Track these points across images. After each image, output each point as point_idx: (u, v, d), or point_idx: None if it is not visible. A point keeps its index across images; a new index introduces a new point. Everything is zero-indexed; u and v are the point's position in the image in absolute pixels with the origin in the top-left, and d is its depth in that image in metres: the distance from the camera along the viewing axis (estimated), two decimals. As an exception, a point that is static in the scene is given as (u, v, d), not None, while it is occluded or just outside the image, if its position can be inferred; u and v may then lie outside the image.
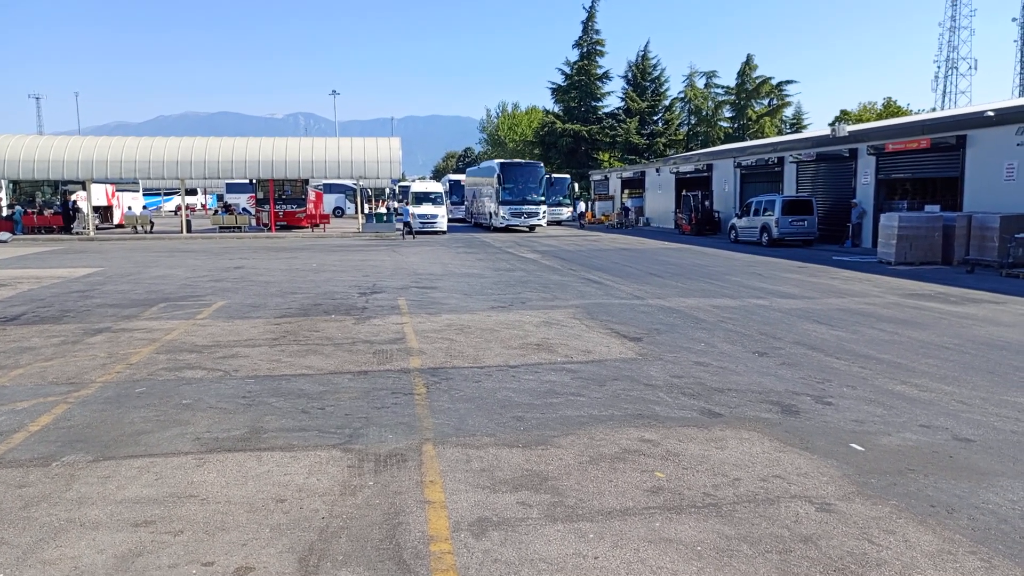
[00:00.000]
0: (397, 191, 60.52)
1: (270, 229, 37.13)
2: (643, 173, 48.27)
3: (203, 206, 67.01)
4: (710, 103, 66.88)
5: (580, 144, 64.40)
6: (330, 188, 54.37)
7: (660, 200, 44.92)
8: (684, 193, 39.18)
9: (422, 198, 37.52)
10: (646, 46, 67.02)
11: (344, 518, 4.46)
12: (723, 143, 59.93)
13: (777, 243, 27.77)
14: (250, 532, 4.29)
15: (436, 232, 36.21)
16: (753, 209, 29.62)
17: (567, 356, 8.91)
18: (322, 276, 17.69)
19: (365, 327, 10.85)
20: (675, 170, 42.93)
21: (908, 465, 5.37)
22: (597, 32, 65.67)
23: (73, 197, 37.42)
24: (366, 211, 44.42)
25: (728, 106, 66.26)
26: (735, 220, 31.31)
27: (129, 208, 43.66)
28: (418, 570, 3.85)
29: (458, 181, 54.45)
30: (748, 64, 64.13)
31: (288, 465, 5.33)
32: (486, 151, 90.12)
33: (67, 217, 36.11)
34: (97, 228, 36.67)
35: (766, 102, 64.73)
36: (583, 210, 47.83)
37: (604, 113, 66.59)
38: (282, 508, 4.61)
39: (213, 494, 4.82)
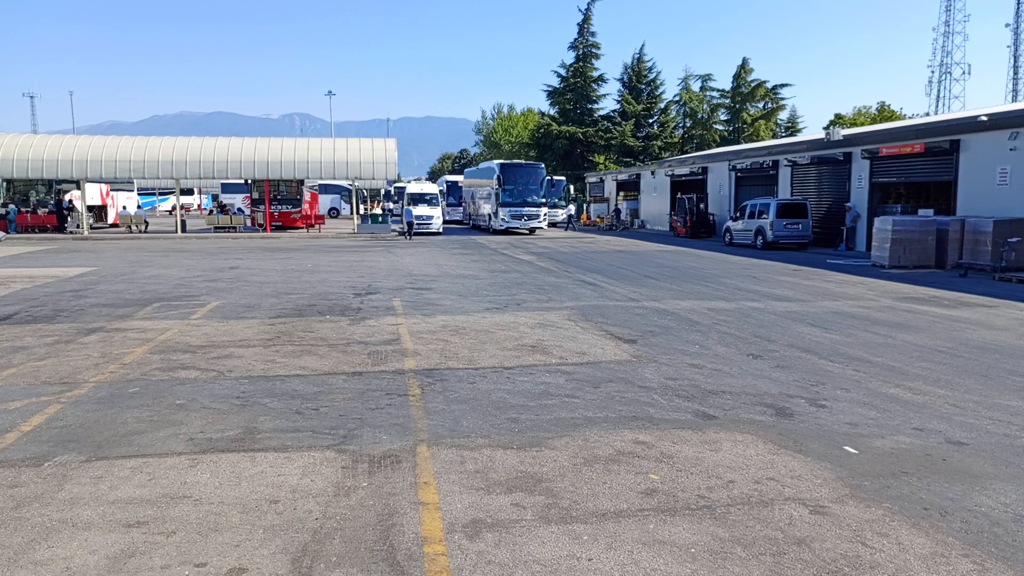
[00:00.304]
0: (392, 192, 60.46)
1: (265, 229, 37.07)
2: (638, 176, 48.35)
3: (199, 206, 66.86)
4: (705, 106, 66.99)
5: (575, 146, 64.45)
6: (325, 189, 54.33)
7: (655, 202, 44.99)
8: (679, 196, 39.23)
9: (417, 199, 37.45)
10: (641, 49, 67.18)
11: (338, 519, 4.45)
12: (718, 146, 60.05)
13: (772, 246, 27.84)
14: (243, 533, 4.27)
15: (431, 233, 36.19)
16: (748, 212, 29.69)
17: (562, 358, 8.91)
18: (317, 277, 17.66)
19: (360, 328, 10.83)
20: (670, 173, 43.00)
21: (901, 468, 5.39)
22: (593, 34, 65.84)
23: (67, 196, 37.29)
24: (361, 212, 44.38)
25: (723, 109, 66.37)
26: (730, 223, 31.39)
27: (124, 208, 43.53)
28: (412, 572, 3.84)
29: (456, 182, 53.50)
30: (743, 67, 64.26)
31: (282, 466, 5.32)
32: (481, 153, 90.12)
33: (61, 216, 35.98)
34: (91, 228, 36.55)
35: (761, 105, 64.88)
36: (572, 212, 47.92)
37: (600, 115, 66.69)
38: (276, 509, 4.59)
39: (206, 495, 4.80)
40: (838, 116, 65.82)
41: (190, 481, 5.03)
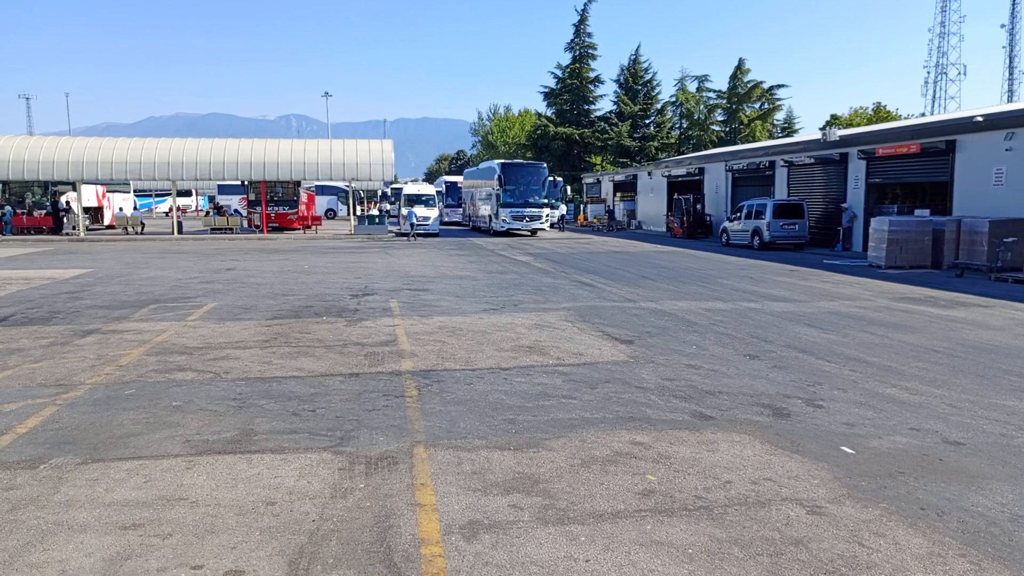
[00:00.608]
0: (389, 193, 60.44)
1: (262, 231, 37.02)
2: (635, 176, 48.41)
3: (196, 209, 66.75)
4: (702, 107, 67.08)
5: (572, 147, 64.51)
6: (322, 190, 54.26)
7: (652, 203, 45.04)
8: (676, 196, 39.26)
9: (414, 200, 37.40)
10: (637, 50, 67.24)
11: (335, 521, 4.44)
12: (715, 147, 60.11)
13: (768, 246, 27.87)
14: (240, 535, 4.26)
15: (428, 235, 36.18)
16: (745, 212, 29.73)
17: (559, 359, 8.91)
18: (314, 278, 17.64)
19: (357, 329, 10.82)
20: (667, 173, 43.04)
21: (898, 468, 5.39)
22: (589, 35, 65.95)
23: (63, 198, 37.21)
24: (358, 213, 44.36)
25: (720, 110, 66.46)
26: (727, 223, 31.42)
27: (120, 209, 43.45)
28: (409, 573, 3.84)
29: (455, 183, 52.50)
30: (739, 68, 64.36)
31: (278, 467, 5.31)
32: (478, 154, 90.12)
33: (57, 218, 35.91)
34: (87, 229, 36.47)
35: (757, 106, 64.98)
36: (563, 213, 47.73)
37: (596, 116, 66.76)
38: (272, 511, 4.58)
39: (203, 497, 4.79)
40: (834, 117, 65.95)
41: (186, 483, 5.02)
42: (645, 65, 66.56)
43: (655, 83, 66.70)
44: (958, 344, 9.99)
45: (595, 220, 48.13)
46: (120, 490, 4.89)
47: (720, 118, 66.53)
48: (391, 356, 9.01)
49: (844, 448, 5.81)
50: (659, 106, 66.95)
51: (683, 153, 61.32)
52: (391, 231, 37.53)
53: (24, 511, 4.57)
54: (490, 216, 37.84)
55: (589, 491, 4.93)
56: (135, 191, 54.19)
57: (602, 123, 65.61)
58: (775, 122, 66.32)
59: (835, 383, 7.85)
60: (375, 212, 46.76)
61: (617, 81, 66.86)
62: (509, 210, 36.10)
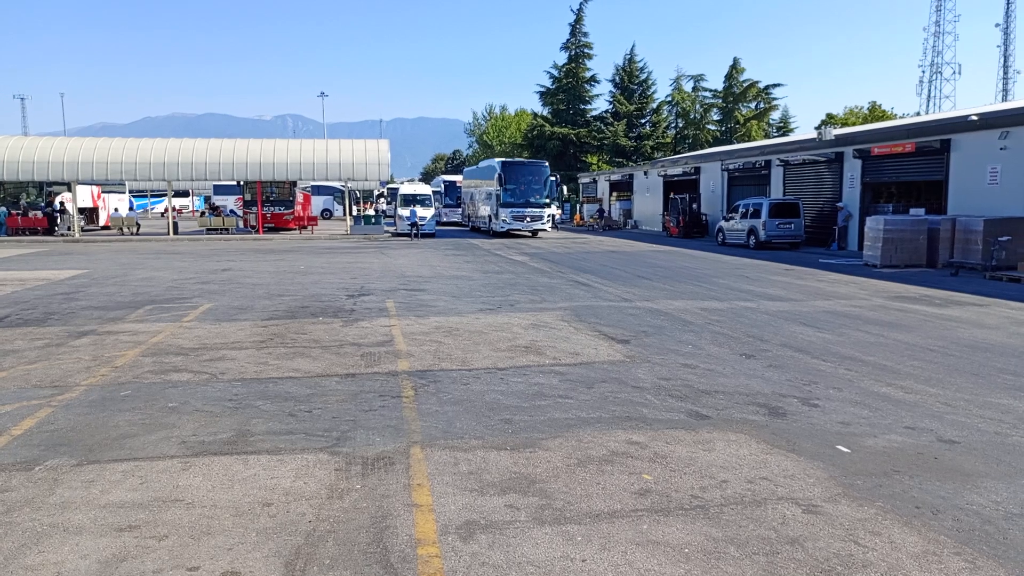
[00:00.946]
0: (386, 193, 60.34)
1: (258, 231, 36.96)
2: (631, 176, 48.45)
3: (192, 210, 66.62)
4: (697, 106, 67.17)
5: (568, 147, 64.52)
6: (318, 190, 54.18)
7: (648, 203, 45.09)
8: (672, 196, 39.30)
9: (410, 200, 37.34)
10: (632, 49, 67.27)
11: (331, 522, 4.44)
12: (711, 146, 60.20)
13: (764, 246, 27.92)
14: (236, 536, 4.26)
15: (424, 235, 36.15)
16: (740, 212, 29.78)
17: (555, 358, 8.92)
18: (310, 278, 17.62)
19: (353, 330, 10.81)
20: (663, 173, 43.09)
21: (893, 467, 5.41)
22: (585, 35, 65.97)
23: (58, 198, 37.09)
24: (354, 213, 44.32)
25: (715, 109, 66.56)
26: (722, 223, 31.47)
27: (115, 210, 43.34)
28: (405, 574, 3.84)
29: (454, 182, 51.56)
30: (735, 67, 64.45)
31: (275, 468, 5.30)
32: (474, 153, 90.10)
33: (52, 219, 35.79)
34: (82, 230, 36.37)
35: (753, 105, 65.07)
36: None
37: (592, 116, 66.80)
38: (268, 512, 4.58)
39: (199, 498, 4.78)
40: (830, 116, 66.08)
41: (182, 484, 5.01)
42: (640, 65, 66.65)
43: (650, 82, 66.81)
44: (953, 343, 10.02)
45: (591, 220, 48.21)
46: (116, 492, 4.88)
47: (716, 117, 66.64)
48: (387, 356, 9.01)
49: (840, 447, 5.82)
50: (655, 105, 67.03)
51: (679, 152, 61.41)
52: (387, 231, 37.49)
53: (19, 513, 4.56)
54: (490, 216, 36.95)
55: (585, 491, 4.93)
56: (132, 192, 54.08)
57: (598, 123, 65.64)
58: (771, 121, 66.42)
59: (831, 382, 7.87)
60: (371, 212, 46.71)
61: (612, 81, 66.94)
62: (509, 210, 35.16)
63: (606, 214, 47.35)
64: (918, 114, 71.51)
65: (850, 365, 8.66)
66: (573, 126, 64.77)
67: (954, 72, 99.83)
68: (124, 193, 48.17)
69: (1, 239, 32.75)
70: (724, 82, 65.16)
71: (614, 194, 50.95)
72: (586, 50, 65.93)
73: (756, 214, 28.52)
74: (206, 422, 6.38)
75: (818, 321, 11.70)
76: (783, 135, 61.64)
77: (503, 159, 38.80)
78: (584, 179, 58.11)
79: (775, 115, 66.56)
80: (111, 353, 9.19)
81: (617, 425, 6.35)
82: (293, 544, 4.16)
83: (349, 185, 41.39)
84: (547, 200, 35.98)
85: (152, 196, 66.87)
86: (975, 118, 22.43)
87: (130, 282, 16.87)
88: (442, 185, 52.58)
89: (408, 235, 35.44)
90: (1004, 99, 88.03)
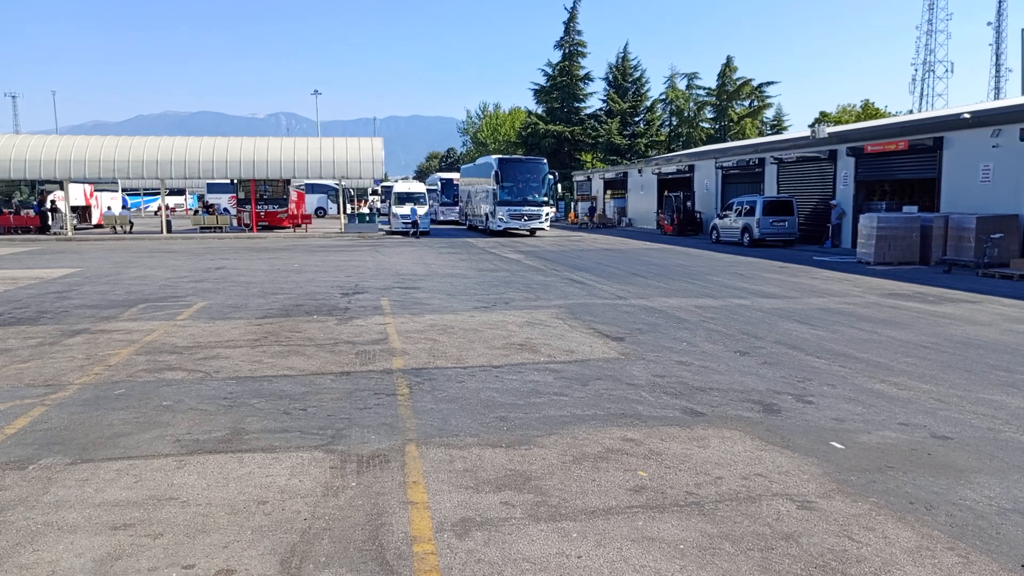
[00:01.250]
0: (380, 191, 60.15)
1: (251, 229, 36.86)
2: (625, 174, 48.48)
3: (186, 209, 66.40)
4: (692, 104, 67.30)
5: (563, 145, 64.54)
6: (312, 188, 54.07)
7: (642, 201, 45.12)
8: (666, 194, 39.35)
9: (404, 198, 37.25)
10: (625, 47, 67.38)
11: (326, 519, 4.44)
12: (705, 144, 60.30)
13: (758, 243, 28.00)
14: (231, 534, 4.25)
15: (420, 233, 36.13)
16: (735, 210, 29.85)
17: (550, 356, 8.92)
18: (304, 277, 17.59)
19: (347, 328, 10.80)
20: (657, 171, 43.13)
21: (887, 463, 5.43)
22: (579, 33, 65.99)
23: (50, 197, 36.92)
24: (348, 211, 44.23)
25: (709, 107, 66.71)
26: (717, 220, 31.53)
27: (108, 208, 43.16)
28: (401, 571, 3.84)
29: (451, 180, 50.57)
30: (728, 66, 64.59)
31: (270, 466, 5.29)
32: (468, 152, 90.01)
33: (44, 217, 35.63)
34: (75, 229, 36.21)
35: (747, 103, 65.25)
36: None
37: (586, 114, 66.85)
38: (264, 510, 4.57)
39: (193, 496, 4.77)
40: (823, 114, 66.30)
41: (177, 483, 5.00)
42: (634, 63, 66.79)
43: (644, 80, 66.93)
44: (946, 339, 10.06)
45: (586, 218, 48.27)
46: (110, 490, 4.87)
47: (710, 115, 66.80)
48: (382, 354, 9.00)
49: (834, 443, 5.84)
50: (649, 104, 67.13)
51: (673, 150, 61.50)
52: (381, 229, 37.43)
53: (13, 512, 4.54)
54: (487, 215, 36.05)
55: (581, 488, 4.94)
56: (126, 190, 53.84)
57: (592, 121, 65.70)
58: (765, 119, 66.64)
59: (824, 379, 7.90)
60: (365, 210, 46.63)
61: (606, 79, 67.00)
62: (506, 208, 34.22)
63: (597, 212, 47.48)
64: (911, 112, 71.78)
65: (844, 362, 8.69)
66: (567, 124, 64.79)
67: (947, 70, 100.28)
68: (117, 191, 47.98)
69: (-7, 238, 32.59)
70: (718, 80, 65.32)
71: (608, 192, 50.98)
72: (580, 48, 65.97)
73: (750, 212, 28.59)
74: (200, 420, 6.37)
75: (812, 318, 11.73)
76: (777, 133, 61.81)
77: (500, 156, 37.85)
78: (579, 177, 58.14)
79: (769, 113, 66.85)
80: (105, 352, 9.15)
81: (612, 422, 6.36)
82: (288, 542, 4.15)
83: (343, 183, 41.31)
84: (545, 198, 35.13)
85: (145, 194, 66.60)
86: (968, 116, 22.51)
87: (123, 281, 16.81)
88: (439, 183, 51.99)
89: (403, 233, 35.40)
90: (996, 97, 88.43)
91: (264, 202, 38.17)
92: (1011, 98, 58.45)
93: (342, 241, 32.01)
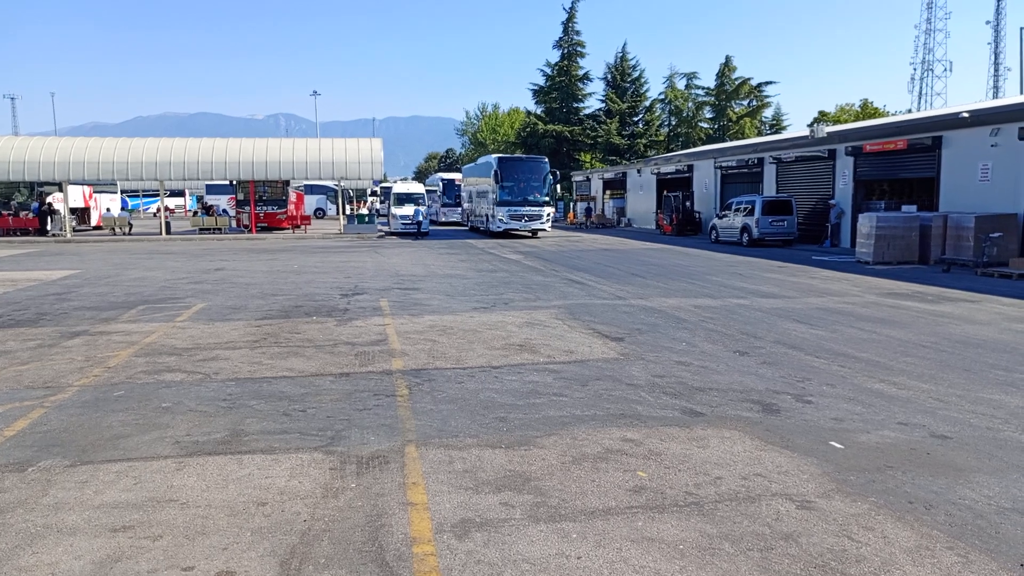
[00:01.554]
0: (379, 192, 60.12)
1: (251, 231, 36.85)
2: (624, 174, 48.51)
3: (185, 210, 66.38)
4: (690, 104, 67.32)
5: (562, 145, 64.55)
6: (311, 189, 54.06)
7: (641, 201, 45.13)
8: (665, 194, 39.36)
9: (403, 199, 37.21)
10: (624, 47, 67.46)
11: (326, 521, 4.44)
12: (704, 144, 60.32)
13: (757, 243, 28.01)
14: (231, 536, 4.25)
15: (420, 234, 36.12)
16: (734, 209, 29.86)
17: (549, 356, 8.92)
18: (303, 278, 17.59)
19: (347, 329, 10.80)
20: (656, 171, 43.14)
21: (886, 462, 5.43)
22: (578, 33, 65.98)
23: (49, 199, 36.91)
24: (347, 212, 44.22)
25: (708, 107, 66.72)
26: (716, 220, 31.54)
27: (107, 210, 43.15)
28: (401, 572, 3.84)
29: (452, 180, 50.08)
30: (727, 65, 64.62)
31: (269, 468, 5.29)
32: (467, 152, 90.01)
33: (43, 219, 35.61)
34: (74, 230, 36.19)
35: (746, 103, 65.26)
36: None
37: (585, 114, 66.85)
38: (263, 511, 4.57)
39: (193, 498, 4.77)
40: (822, 113, 66.36)
41: (176, 484, 5.00)
42: (632, 63, 66.78)
43: (643, 80, 66.96)
44: (945, 339, 10.07)
45: (585, 218, 48.28)
46: (110, 492, 4.87)
47: (709, 115, 66.81)
48: (381, 355, 9.00)
49: (833, 443, 5.85)
50: (647, 104, 67.14)
51: (672, 150, 61.52)
52: (381, 230, 37.42)
53: (12, 514, 4.54)
54: (487, 215, 35.51)
55: (580, 488, 4.94)
56: (125, 192, 53.83)
57: (591, 121, 65.71)
58: (763, 119, 66.66)
59: (824, 379, 7.90)
60: (364, 211, 46.63)
61: (605, 79, 67.02)
62: (507, 209, 33.52)
63: (596, 212, 47.51)
64: (910, 111, 71.84)
65: (843, 362, 8.70)
66: (566, 124, 64.80)
67: (945, 69, 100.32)
68: (116, 193, 47.96)
69: (-8, 240, 32.57)
70: (716, 80, 65.34)
71: (607, 192, 50.99)
72: (579, 48, 65.97)
73: (749, 211, 28.60)
74: (200, 422, 6.37)
75: (811, 318, 11.74)
76: (776, 132, 61.83)
77: (500, 155, 37.34)
78: (578, 177, 58.15)
79: (768, 113, 66.87)
80: (104, 353, 9.15)
81: (611, 423, 6.36)
82: (288, 543, 4.15)
83: (342, 184, 41.30)
84: (546, 198, 34.52)
85: (144, 196, 66.57)
86: (966, 115, 22.52)
87: (123, 282, 16.80)
88: (440, 184, 51.64)
89: (401, 234, 35.39)
90: (995, 96, 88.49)
91: (263, 203, 38.15)
92: (1010, 97, 58.47)
93: (341, 242, 32.01)
